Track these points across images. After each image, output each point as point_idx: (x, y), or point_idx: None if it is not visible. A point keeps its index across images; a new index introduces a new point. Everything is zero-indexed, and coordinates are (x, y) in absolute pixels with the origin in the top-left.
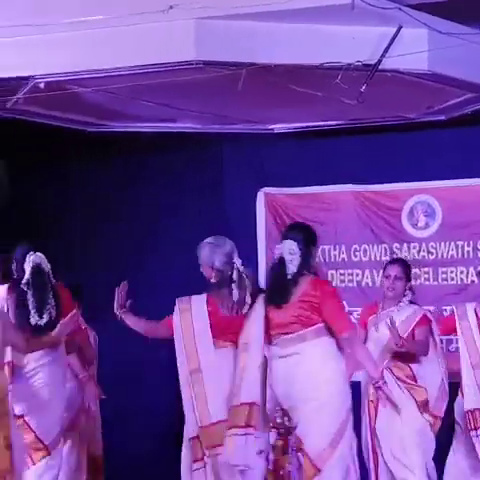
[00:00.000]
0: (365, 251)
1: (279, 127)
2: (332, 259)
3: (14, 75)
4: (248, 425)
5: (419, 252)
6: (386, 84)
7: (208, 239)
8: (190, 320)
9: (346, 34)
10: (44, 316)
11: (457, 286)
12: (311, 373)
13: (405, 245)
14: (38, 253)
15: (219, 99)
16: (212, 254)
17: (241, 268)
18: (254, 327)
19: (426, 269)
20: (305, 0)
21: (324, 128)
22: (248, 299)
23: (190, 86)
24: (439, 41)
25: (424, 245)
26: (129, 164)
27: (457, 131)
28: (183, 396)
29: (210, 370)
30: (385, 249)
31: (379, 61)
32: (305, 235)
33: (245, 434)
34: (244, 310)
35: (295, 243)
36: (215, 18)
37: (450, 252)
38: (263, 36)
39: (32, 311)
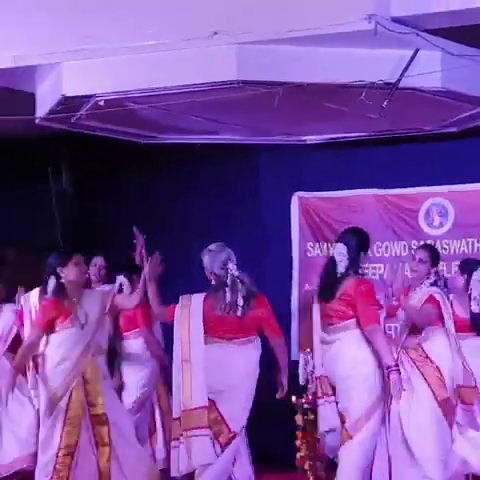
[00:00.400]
0: (386, 248)
1: (311, 138)
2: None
3: (78, 94)
4: (209, 426)
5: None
6: (405, 100)
7: (210, 246)
8: (188, 315)
9: (369, 56)
10: None
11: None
12: (348, 357)
13: (422, 242)
14: None
15: (258, 114)
16: (212, 261)
17: (236, 273)
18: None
19: (441, 263)
20: (333, 26)
21: (351, 139)
22: (240, 301)
23: (233, 103)
24: (451, 62)
25: (438, 242)
26: (179, 174)
27: (468, 141)
28: (173, 381)
29: (198, 362)
30: (404, 246)
31: (398, 80)
32: (356, 241)
33: (207, 434)
34: (237, 312)
35: (345, 247)
36: (254, 43)
37: (462, 248)
38: (296, 58)
39: None
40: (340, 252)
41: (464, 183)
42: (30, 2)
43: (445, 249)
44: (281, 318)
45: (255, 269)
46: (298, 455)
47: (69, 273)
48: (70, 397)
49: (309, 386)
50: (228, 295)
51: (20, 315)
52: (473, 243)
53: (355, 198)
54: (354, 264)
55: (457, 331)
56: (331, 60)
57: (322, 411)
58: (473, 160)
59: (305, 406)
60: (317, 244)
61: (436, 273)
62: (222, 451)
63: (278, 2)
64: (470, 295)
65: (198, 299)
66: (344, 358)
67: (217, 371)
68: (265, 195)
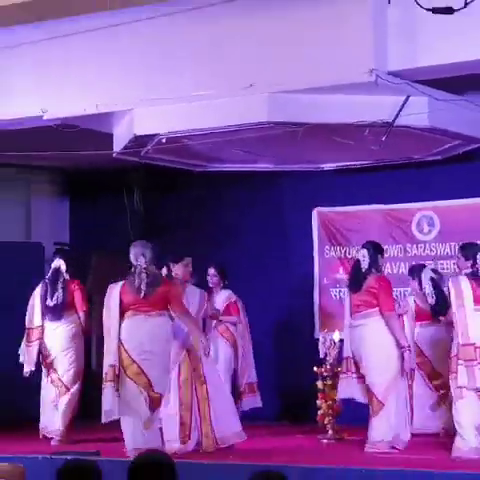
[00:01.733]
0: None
1: (326, 166)
2: None
3: (146, 133)
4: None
5: (424, 250)
6: (399, 135)
7: (134, 242)
8: (112, 296)
9: (371, 101)
10: None
11: (450, 273)
12: (371, 339)
13: (414, 245)
14: None
15: (285, 147)
16: (131, 254)
17: (143, 265)
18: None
19: (429, 262)
20: (343, 79)
21: (357, 166)
22: (143, 286)
23: (265, 139)
24: (436, 105)
25: (427, 245)
26: (222, 196)
27: (449, 167)
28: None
29: (113, 331)
30: (400, 249)
31: (394, 120)
32: (373, 248)
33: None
34: (140, 293)
35: (366, 251)
36: (280, 92)
37: (445, 250)
38: (314, 104)
39: None
40: (363, 255)
41: (447, 199)
42: (108, 63)
43: (433, 251)
44: (305, 305)
45: (285, 267)
46: (319, 413)
47: (178, 270)
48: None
49: (327, 358)
50: (136, 281)
51: None
52: (455, 246)
53: (361, 212)
54: (374, 264)
55: (421, 319)
56: (341, 105)
57: (343, 383)
58: (453, 181)
59: (324, 374)
60: (332, 247)
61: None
62: (151, 410)
63: (299, 60)
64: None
65: (118, 285)
66: (369, 340)
67: (138, 337)
68: (292, 210)
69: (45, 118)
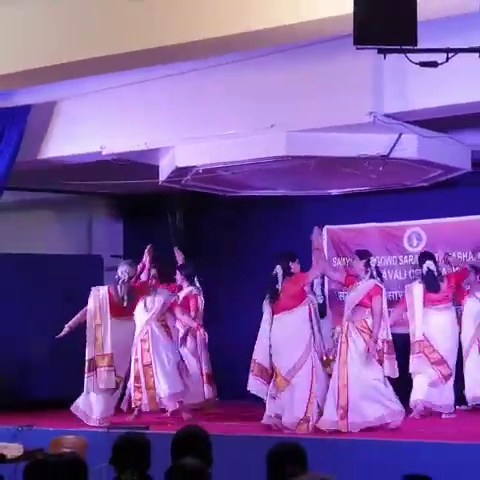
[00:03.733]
0: (383, 260)
1: (334, 191)
2: None
3: (185, 165)
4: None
5: (413, 260)
6: (393, 166)
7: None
8: (98, 300)
9: (370, 138)
10: None
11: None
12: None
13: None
14: None
15: (299, 176)
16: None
17: (123, 279)
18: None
19: (418, 270)
20: (347, 120)
21: (359, 191)
22: (124, 296)
23: (284, 169)
24: (423, 141)
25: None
26: (249, 217)
27: (434, 192)
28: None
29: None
30: (394, 259)
31: (389, 153)
32: (433, 258)
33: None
34: (123, 303)
35: (433, 263)
36: (296, 131)
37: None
38: (324, 140)
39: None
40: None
41: (432, 218)
42: (155, 109)
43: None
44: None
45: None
46: None
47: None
48: None
49: (333, 349)
50: (118, 291)
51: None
52: (438, 256)
53: (362, 229)
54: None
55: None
56: (346, 141)
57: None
58: (438, 204)
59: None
60: (338, 258)
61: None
62: None
63: (312, 105)
64: None
65: (103, 289)
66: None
67: (121, 336)
68: (306, 228)
69: (104, 153)
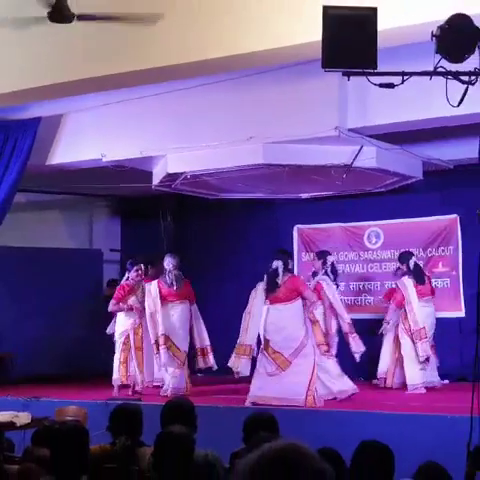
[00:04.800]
0: (346, 255)
1: (304, 195)
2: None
3: (176, 172)
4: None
5: (372, 255)
6: (355, 174)
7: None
8: (154, 290)
9: (335, 150)
10: None
11: (391, 272)
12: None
13: (365, 252)
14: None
15: (274, 182)
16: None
17: (170, 269)
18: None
19: (376, 264)
20: (316, 134)
21: (326, 195)
22: (173, 282)
23: (260, 176)
24: (381, 153)
25: (374, 252)
26: (230, 217)
27: (390, 196)
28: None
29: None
30: (355, 254)
31: (351, 163)
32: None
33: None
34: (173, 287)
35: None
36: (272, 143)
37: (388, 256)
38: (295, 151)
39: None
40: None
41: (389, 219)
42: (149, 122)
43: (379, 256)
44: None
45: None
46: None
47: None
48: None
49: None
50: (167, 279)
51: None
52: (394, 252)
53: (328, 228)
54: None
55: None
56: (315, 152)
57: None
58: (393, 207)
59: None
60: (307, 253)
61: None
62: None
63: (285, 120)
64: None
65: (155, 282)
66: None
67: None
68: (280, 226)
69: (104, 160)
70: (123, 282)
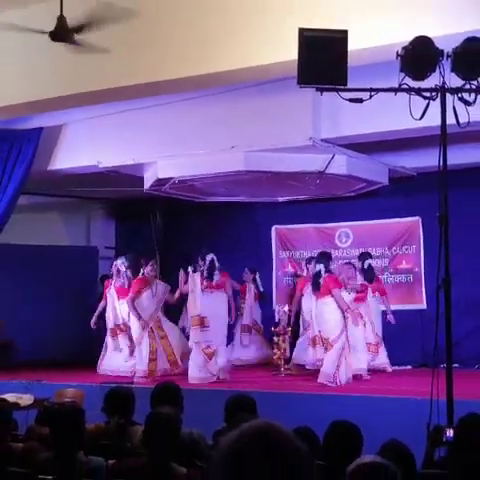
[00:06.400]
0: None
1: (281, 198)
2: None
3: (165, 177)
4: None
5: (342, 253)
6: (327, 180)
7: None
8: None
9: (310, 158)
10: None
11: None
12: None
13: (336, 250)
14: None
15: (255, 186)
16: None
17: (211, 262)
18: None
19: (346, 261)
20: (292, 143)
21: (301, 199)
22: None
23: (242, 181)
24: (351, 161)
25: (344, 250)
26: (217, 219)
27: (359, 200)
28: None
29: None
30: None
31: (324, 170)
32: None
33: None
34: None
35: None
36: (252, 151)
37: (356, 254)
38: (274, 160)
39: None
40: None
41: (358, 221)
42: (141, 132)
43: (348, 253)
44: (266, 286)
45: (254, 262)
46: (274, 357)
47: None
48: None
49: (280, 322)
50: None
51: None
52: (361, 250)
53: (303, 228)
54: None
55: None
56: (291, 160)
57: None
58: (362, 210)
59: (278, 332)
60: (284, 252)
61: None
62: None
63: (264, 131)
64: None
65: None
66: None
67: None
68: (259, 227)
69: (100, 167)
70: (140, 276)
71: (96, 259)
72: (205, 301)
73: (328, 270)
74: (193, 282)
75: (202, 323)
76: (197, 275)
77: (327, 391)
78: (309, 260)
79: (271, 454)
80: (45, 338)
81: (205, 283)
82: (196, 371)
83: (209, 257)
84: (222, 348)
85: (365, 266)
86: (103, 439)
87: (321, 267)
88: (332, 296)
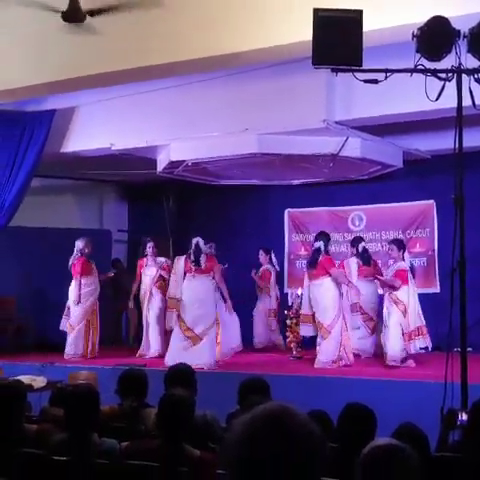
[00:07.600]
0: (332, 236)
1: (295, 181)
2: None
3: (178, 159)
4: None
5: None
6: (341, 162)
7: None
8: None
9: (323, 140)
10: None
11: (372, 251)
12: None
13: (349, 234)
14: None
15: (268, 170)
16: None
17: (199, 245)
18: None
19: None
20: (306, 125)
21: (314, 181)
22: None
23: (255, 164)
24: (365, 143)
25: (358, 234)
26: (231, 201)
27: (373, 183)
28: None
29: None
30: (341, 235)
31: (338, 152)
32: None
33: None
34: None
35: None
36: (265, 134)
37: (370, 237)
38: (287, 142)
39: None
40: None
41: (371, 204)
42: (154, 114)
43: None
44: (279, 271)
45: (268, 245)
46: (287, 340)
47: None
48: None
49: (293, 305)
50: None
51: None
52: (375, 234)
53: (316, 211)
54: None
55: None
56: (304, 142)
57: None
58: (375, 193)
59: (291, 315)
60: (297, 235)
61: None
62: None
63: (278, 114)
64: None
65: (182, 257)
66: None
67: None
68: (272, 210)
69: (113, 149)
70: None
71: (109, 242)
72: (186, 285)
73: (326, 251)
74: (177, 265)
75: (177, 307)
76: (182, 258)
77: (341, 374)
78: None
79: (284, 438)
80: (58, 320)
81: (191, 267)
82: (175, 355)
83: (194, 240)
84: (212, 331)
85: (360, 250)
86: (117, 421)
87: (321, 244)
88: (330, 276)
